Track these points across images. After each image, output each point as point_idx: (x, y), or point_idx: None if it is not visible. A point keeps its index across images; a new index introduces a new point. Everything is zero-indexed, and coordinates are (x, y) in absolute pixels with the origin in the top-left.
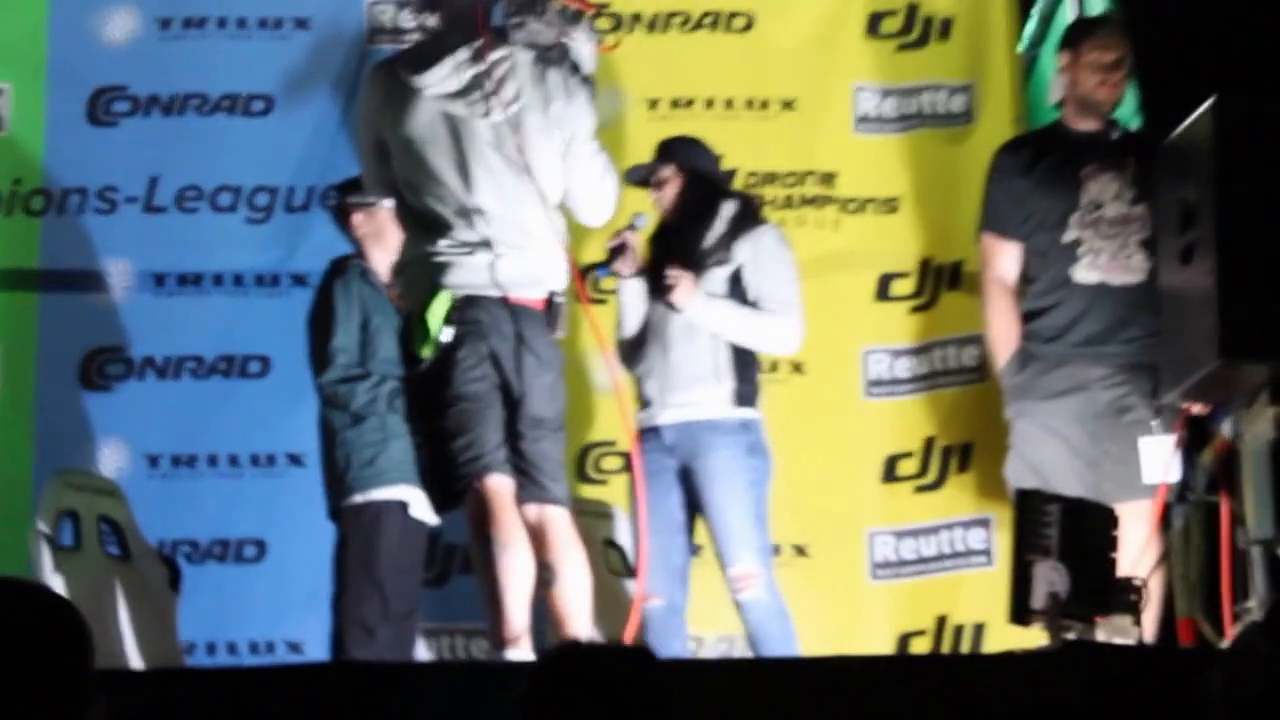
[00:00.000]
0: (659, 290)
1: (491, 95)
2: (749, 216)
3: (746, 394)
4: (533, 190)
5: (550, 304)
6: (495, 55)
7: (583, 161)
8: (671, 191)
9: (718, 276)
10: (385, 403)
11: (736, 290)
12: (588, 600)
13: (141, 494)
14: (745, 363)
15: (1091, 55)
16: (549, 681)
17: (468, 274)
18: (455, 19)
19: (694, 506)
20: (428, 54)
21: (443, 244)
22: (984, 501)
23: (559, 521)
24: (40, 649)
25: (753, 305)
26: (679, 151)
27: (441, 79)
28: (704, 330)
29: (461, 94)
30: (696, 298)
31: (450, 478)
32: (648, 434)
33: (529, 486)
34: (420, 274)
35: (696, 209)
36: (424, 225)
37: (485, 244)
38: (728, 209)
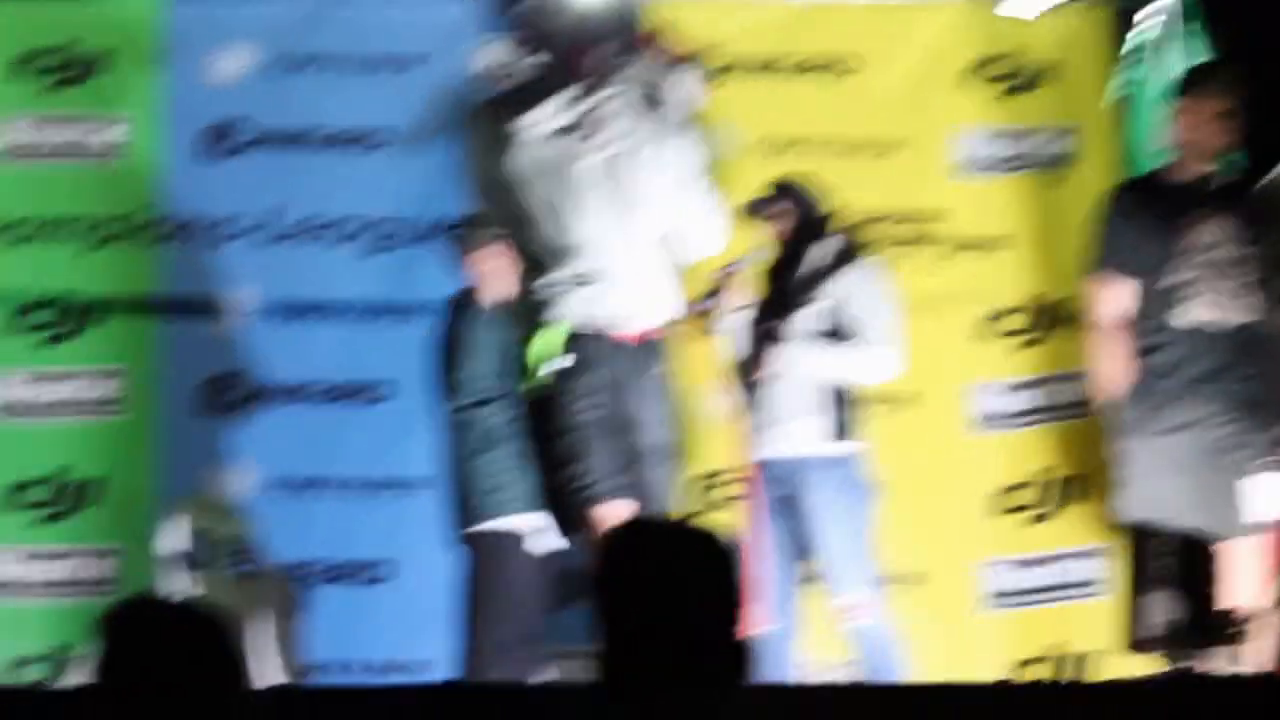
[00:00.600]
0: (764, 330)
1: (596, 133)
2: (849, 253)
3: (845, 427)
4: (639, 225)
5: (661, 335)
6: (601, 95)
7: (690, 197)
8: (786, 226)
9: (816, 312)
10: (514, 430)
11: (835, 324)
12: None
13: (265, 516)
14: (843, 397)
15: (1205, 102)
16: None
17: (579, 306)
18: (561, 59)
19: (799, 537)
20: (534, 93)
21: (554, 277)
22: (1095, 533)
23: None
24: (204, 668)
25: (849, 337)
26: (794, 190)
27: (547, 117)
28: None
29: (567, 131)
30: (785, 362)
31: (567, 504)
32: (754, 466)
33: (645, 513)
34: (534, 306)
35: (799, 247)
36: (535, 259)
37: (595, 277)
38: (829, 245)
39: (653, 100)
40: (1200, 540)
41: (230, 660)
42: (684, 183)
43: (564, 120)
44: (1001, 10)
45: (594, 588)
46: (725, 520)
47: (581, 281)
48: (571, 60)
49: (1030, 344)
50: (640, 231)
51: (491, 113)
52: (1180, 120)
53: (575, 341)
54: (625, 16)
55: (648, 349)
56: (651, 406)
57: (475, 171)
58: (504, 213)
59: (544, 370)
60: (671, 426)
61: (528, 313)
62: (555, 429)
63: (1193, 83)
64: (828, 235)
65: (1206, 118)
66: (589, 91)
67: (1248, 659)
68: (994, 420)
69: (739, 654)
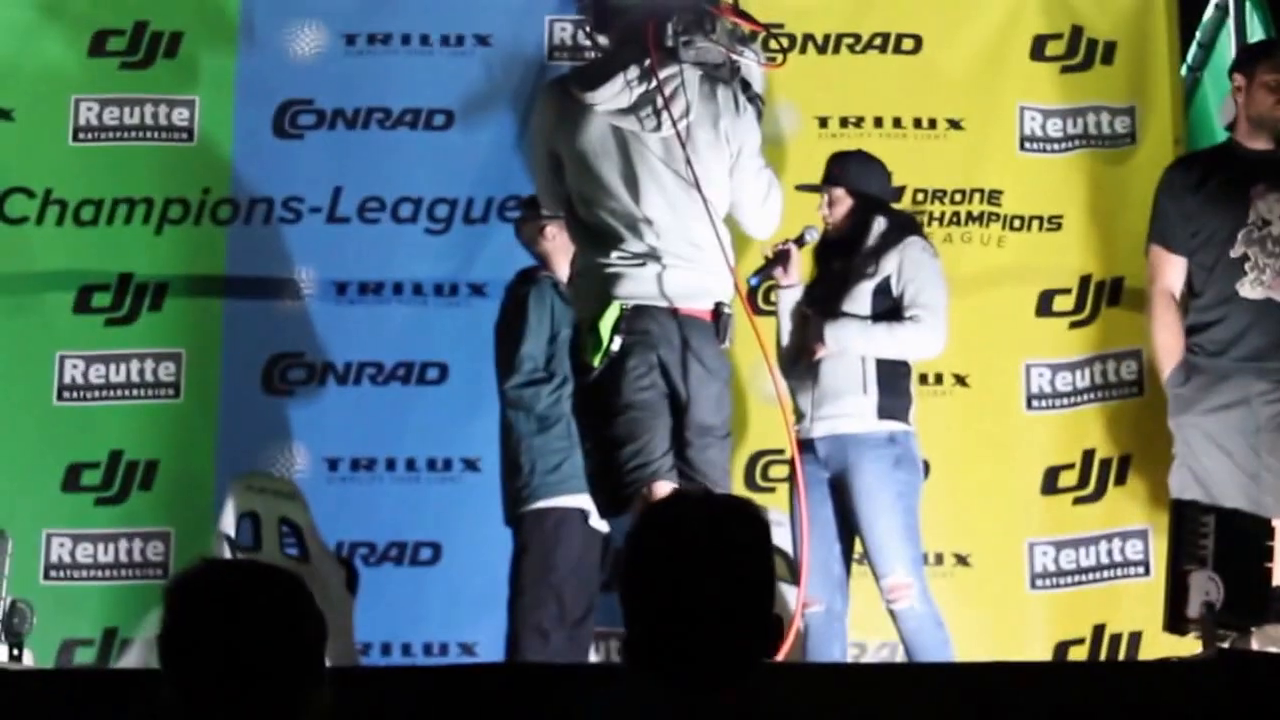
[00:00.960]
0: (815, 308)
1: (661, 111)
2: (899, 230)
3: (894, 407)
4: (700, 203)
5: (717, 314)
6: (665, 72)
7: (749, 176)
8: (841, 211)
9: (866, 288)
10: (570, 409)
11: (884, 299)
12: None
13: (321, 497)
14: (893, 375)
15: (1266, 77)
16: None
17: (637, 285)
18: (626, 38)
19: (847, 516)
20: (600, 71)
21: (613, 255)
22: (1142, 513)
23: None
24: (276, 626)
25: (897, 312)
26: (852, 174)
27: (613, 95)
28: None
29: (632, 109)
30: (831, 343)
31: (618, 484)
32: (803, 445)
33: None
34: (591, 284)
35: (857, 227)
36: (594, 237)
37: (654, 255)
38: (879, 224)
39: (718, 78)
40: (1245, 518)
41: (321, 630)
42: (745, 162)
43: (629, 98)
44: None
45: (624, 561)
46: (775, 500)
47: (646, 259)
48: (641, 36)
49: (1085, 322)
50: (701, 209)
51: (555, 92)
52: (1240, 94)
53: (632, 319)
54: None
55: (704, 327)
56: (709, 385)
57: (537, 151)
58: (565, 191)
59: (601, 348)
60: (725, 405)
61: (585, 290)
62: (609, 407)
63: (1253, 57)
64: (880, 213)
65: (1268, 91)
66: (654, 69)
67: None
68: (1046, 399)
69: (769, 629)
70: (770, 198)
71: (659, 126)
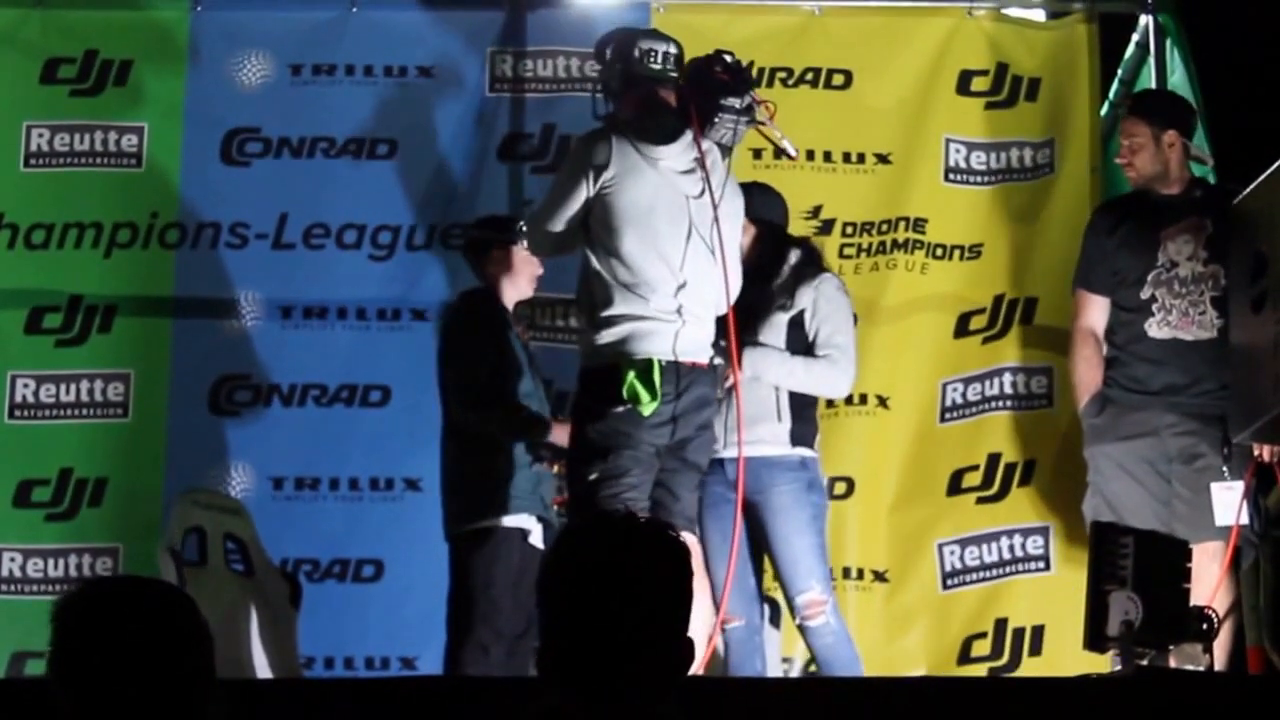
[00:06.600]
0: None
1: (707, 179)
2: (811, 264)
3: (804, 434)
4: (719, 270)
5: (712, 366)
6: (705, 144)
7: (739, 255)
8: (745, 240)
9: (781, 320)
10: (529, 435)
11: (797, 332)
12: (707, 624)
13: (265, 514)
14: (803, 404)
15: (1138, 128)
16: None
17: (662, 342)
18: (652, 106)
19: (759, 536)
20: (665, 131)
21: (650, 308)
22: (1043, 511)
23: (696, 549)
24: (160, 642)
25: (811, 347)
26: (755, 203)
27: (676, 155)
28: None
29: (687, 173)
30: (747, 369)
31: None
32: (712, 466)
33: (676, 517)
34: (624, 333)
35: (769, 258)
36: (628, 287)
37: (679, 313)
38: (793, 257)
39: (725, 158)
40: (1162, 539)
41: (197, 639)
42: (736, 240)
43: (685, 162)
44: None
45: (543, 572)
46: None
47: (674, 316)
48: (661, 105)
49: (997, 336)
50: (718, 275)
51: (613, 141)
52: (1122, 143)
53: (663, 373)
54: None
55: (706, 377)
56: (703, 431)
57: (572, 194)
58: (582, 240)
59: (656, 398)
60: (711, 448)
61: (619, 337)
62: (627, 441)
63: (1131, 109)
64: (792, 245)
65: (1143, 143)
66: (698, 140)
67: (1207, 656)
68: (958, 410)
69: (682, 652)
70: (739, 278)
71: (701, 194)
